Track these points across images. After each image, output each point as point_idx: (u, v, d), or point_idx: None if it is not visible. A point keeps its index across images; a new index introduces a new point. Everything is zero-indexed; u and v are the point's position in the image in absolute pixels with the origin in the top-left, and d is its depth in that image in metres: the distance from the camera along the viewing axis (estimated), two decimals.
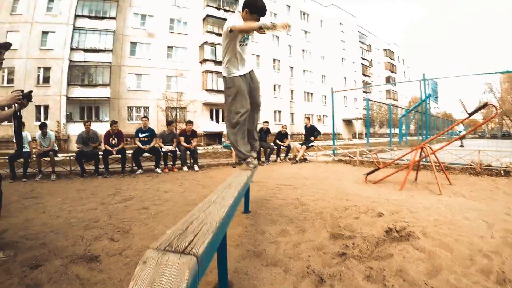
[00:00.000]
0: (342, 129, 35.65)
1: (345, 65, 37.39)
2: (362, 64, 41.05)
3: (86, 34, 22.50)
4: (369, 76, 42.83)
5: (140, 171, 7.40)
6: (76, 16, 22.40)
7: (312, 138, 9.59)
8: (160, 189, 5.28)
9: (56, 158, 7.22)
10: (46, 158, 7.12)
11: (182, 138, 7.97)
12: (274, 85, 28.77)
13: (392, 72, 49.11)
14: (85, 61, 22.03)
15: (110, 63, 22.33)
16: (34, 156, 7.05)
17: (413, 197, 4.10)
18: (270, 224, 3.00)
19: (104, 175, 7.01)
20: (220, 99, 25.20)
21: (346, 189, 4.74)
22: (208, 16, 25.53)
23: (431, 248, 2.21)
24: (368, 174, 5.60)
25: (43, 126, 7.19)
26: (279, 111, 29.16)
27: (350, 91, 37.75)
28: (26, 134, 7.07)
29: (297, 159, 9.21)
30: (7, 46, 2.42)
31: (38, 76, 21.61)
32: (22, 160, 6.85)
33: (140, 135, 7.61)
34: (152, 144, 7.62)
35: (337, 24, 37.34)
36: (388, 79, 47.18)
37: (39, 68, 21.59)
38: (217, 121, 25.35)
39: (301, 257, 2.17)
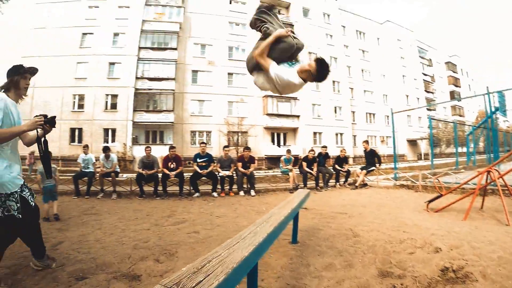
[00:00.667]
0: (406, 150, 32.75)
1: (406, 82, 34.91)
2: (424, 80, 38.13)
3: (150, 64, 23.45)
4: (433, 92, 39.56)
5: (197, 194, 7.47)
6: (140, 48, 23.54)
7: (377, 166, 9.15)
8: (214, 213, 5.28)
9: (117, 179, 7.72)
10: (108, 178, 7.54)
11: (239, 164, 7.94)
12: (335, 107, 27.43)
13: (456, 86, 45.07)
14: (149, 89, 22.84)
15: (173, 90, 22.91)
16: (98, 175, 7.52)
17: (478, 229, 3.62)
18: (317, 256, 2.86)
19: (162, 197, 7.22)
20: (281, 123, 24.46)
21: (404, 218, 4.34)
22: None
23: None
24: (430, 201, 5.15)
25: (106, 150, 7.68)
26: (341, 134, 27.57)
27: (414, 110, 35.02)
28: (90, 156, 7.65)
29: (356, 184, 8.71)
30: (34, 71, 2.47)
31: (106, 102, 22.97)
32: (86, 178, 7.41)
33: (198, 160, 7.67)
34: (209, 169, 7.62)
35: (394, 40, 35.39)
36: (452, 94, 43.24)
37: (107, 95, 22.95)
38: (278, 145, 24.57)
39: None
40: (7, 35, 23.65)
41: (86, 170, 7.49)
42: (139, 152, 22.05)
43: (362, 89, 31.04)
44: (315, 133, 25.79)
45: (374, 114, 31.34)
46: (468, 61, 54.42)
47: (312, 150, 9.16)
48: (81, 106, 22.99)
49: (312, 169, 8.78)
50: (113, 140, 22.18)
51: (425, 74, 38.79)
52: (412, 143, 34.09)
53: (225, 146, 8.56)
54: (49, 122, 2.30)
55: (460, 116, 42.83)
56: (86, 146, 7.93)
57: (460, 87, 45.95)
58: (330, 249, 3.04)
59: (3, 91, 2.26)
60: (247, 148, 8.26)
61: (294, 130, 25.71)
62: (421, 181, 7.81)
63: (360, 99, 30.71)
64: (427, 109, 36.99)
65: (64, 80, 22.81)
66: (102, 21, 24.10)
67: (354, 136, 29.21)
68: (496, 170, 4.57)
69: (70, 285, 2.23)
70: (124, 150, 21.60)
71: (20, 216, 2.15)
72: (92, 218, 4.85)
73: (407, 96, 34.44)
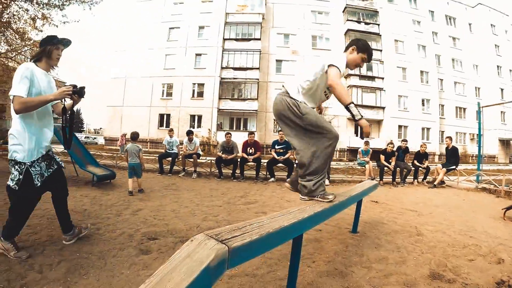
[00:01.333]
0: (497, 151, 29.55)
1: (502, 74, 31.27)
2: None
3: (235, 54, 24.24)
4: None
5: (272, 179, 7.80)
6: (225, 39, 24.43)
7: (454, 167, 8.62)
8: (284, 197, 5.43)
9: (198, 160, 8.31)
10: (190, 160, 8.17)
11: None
12: (423, 100, 25.74)
13: None
14: (234, 78, 23.74)
15: (258, 79, 23.49)
16: (181, 157, 8.24)
17: None
18: (373, 248, 2.87)
19: (239, 180, 7.61)
20: (365, 114, 23.64)
21: (476, 223, 4.07)
22: (349, 30, 25.01)
23: None
24: (507, 209, 4.60)
25: (189, 133, 8.32)
26: (428, 128, 25.84)
27: (507, 104, 31.33)
28: (175, 139, 8.43)
29: (435, 183, 8.15)
30: (67, 42, 2.42)
31: (193, 90, 24.63)
32: (170, 158, 8.19)
33: (276, 147, 7.89)
34: (286, 156, 7.74)
35: (488, 26, 31.71)
36: None
37: (194, 84, 24.49)
38: (361, 137, 23.72)
39: None
40: (103, 32, 26.46)
41: (170, 151, 8.25)
42: (223, 137, 23.28)
43: (452, 80, 28.49)
44: (400, 126, 24.58)
45: (465, 109, 28.69)
46: None
47: (392, 143, 8.86)
48: (169, 94, 24.87)
49: (390, 163, 8.55)
50: (199, 126, 23.77)
51: None
52: (506, 143, 30.61)
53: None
54: (77, 93, 2.29)
55: None
56: (171, 130, 8.92)
57: None
58: (389, 243, 3.05)
59: (34, 61, 2.28)
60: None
61: (379, 122, 24.87)
62: (504, 185, 7.05)
63: (450, 91, 28.26)
64: None
65: (154, 71, 24.74)
66: (187, 15, 25.65)
67: (442, 131, 27.06)
68: None
69: (142, 242, 2.68)
70: (209, 135, 23.07)
71: (16, 187, 2.11)
72: (171, 192, 5.37)
73: (501, 89, 30.82)
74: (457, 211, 5.03)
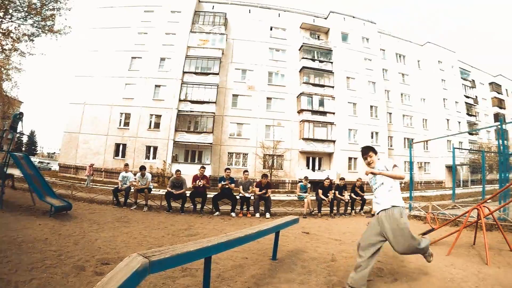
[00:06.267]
0: (445, 177, 31.44)
1: (447, 105, 33.64)
2: (466, 102, 36.41)
3: (193, 87, 24.72)
4: (475, 116, 37.65)
5: (217, 213, 8.35)
6: (184, 72, 24.99)
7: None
8: (224, 230, 5.87)
9: (149, 194, 8.77)
10: (142, 194, 8.62)
11: (257, 189, 8.62)
12: (372, 133, 27.04)
13: (500, 108, 42.52)
14: (191, 111, 24.09)
15: (214, 113, 24.00)
16: (133, 191, 8.66)
17: (453, 266, 3.75)
18: (288, 272, 3.37)
19: (188, 213, 8.14)
20: (316, 147, 24.67)
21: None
22: (304, 67, 26.19)
23: None
24: (423, 234, 4.90)
25: (142, 169, 8.90)
26: (377, 159, 27.07)
27: (456, 135, 33.57)
28: (130, 174, 8.98)
29: (372, 212, 8.74)
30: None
31: (151, 121, 24.64)
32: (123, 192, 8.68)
33: (223, 182, 8.58)
34: (227, 186, 8.51)
35: (435, 62, 34.33)
36: (496, 116, 40.88)
37: (151, 115, 24.64)
38: (313, 169, 24.66)
39: None
40: (64, 57, 26.27)
41: (124, 186, 8.77)
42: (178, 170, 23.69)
43: (401, 113, 30.33)
44: (350, 158, 25.58)
45: (412, 139, 30.54)
46: None
47: (343, 179, 9.97)
48: (126, 124, 24.72)
49: (327, 197, 9.29)
50: (154, 157, 23.69)
51: (467, 97, 37.06)
52: (452, 169, 32.69)
53: (245, 171, 9.26)
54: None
55: (505, 140, 40.37)
56: (126, 165, 9.43)
57: (505, 108, 43.31)
58: (303, 268, 3.54)
59: None
60: (265, 176, 8.94)
61: (329, 155, 25.74)
62: (431, 212, 7.75)
63: (399, 124, 30.02)
64: (468, 133, 35.36)
65: (112, 99, 24.71)
66: (150, 46, 25.96)
67: None
68: (486, 207, 4.58)
69: (97, 266, 3.27)
70: (163, 167, 22.98)
71: None
72: (123, 225, 5.88)
73: (447, 120, 33.14)
74: None
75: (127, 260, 1.73)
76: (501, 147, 8.35)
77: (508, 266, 3.73)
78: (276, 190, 22.13)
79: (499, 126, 7.77)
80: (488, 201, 5.03)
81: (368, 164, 3.18)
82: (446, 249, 4.55)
